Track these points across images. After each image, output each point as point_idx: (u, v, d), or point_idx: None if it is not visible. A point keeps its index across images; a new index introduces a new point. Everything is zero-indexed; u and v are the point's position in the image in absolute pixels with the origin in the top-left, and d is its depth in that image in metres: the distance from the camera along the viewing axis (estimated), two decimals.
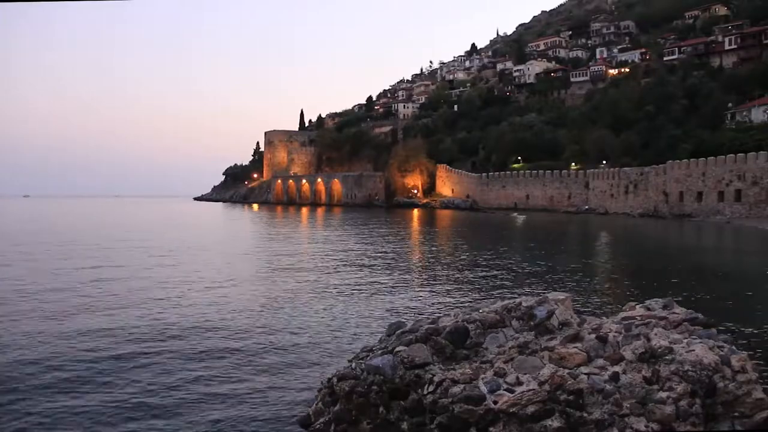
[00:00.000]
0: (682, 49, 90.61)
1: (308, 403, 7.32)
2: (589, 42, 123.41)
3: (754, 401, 5.23)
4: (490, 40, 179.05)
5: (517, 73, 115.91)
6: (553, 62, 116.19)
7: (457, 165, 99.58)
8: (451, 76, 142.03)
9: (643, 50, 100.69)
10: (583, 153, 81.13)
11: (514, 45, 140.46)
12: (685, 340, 5.68)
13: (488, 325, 6.33)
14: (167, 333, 12.02)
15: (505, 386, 5.50)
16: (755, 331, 11.71)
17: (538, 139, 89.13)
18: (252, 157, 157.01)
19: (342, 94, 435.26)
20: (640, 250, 30.96)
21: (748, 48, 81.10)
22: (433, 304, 15.36)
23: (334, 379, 6.32)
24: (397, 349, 6.17)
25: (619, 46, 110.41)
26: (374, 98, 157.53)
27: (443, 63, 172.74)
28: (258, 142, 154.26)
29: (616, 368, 5.48)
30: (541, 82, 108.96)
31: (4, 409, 7.91)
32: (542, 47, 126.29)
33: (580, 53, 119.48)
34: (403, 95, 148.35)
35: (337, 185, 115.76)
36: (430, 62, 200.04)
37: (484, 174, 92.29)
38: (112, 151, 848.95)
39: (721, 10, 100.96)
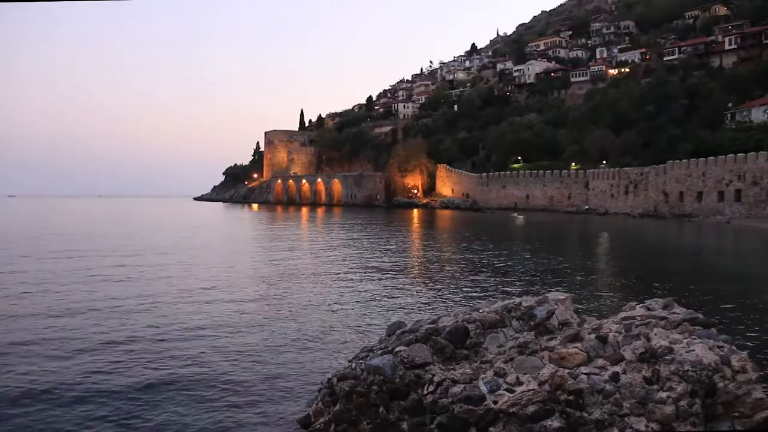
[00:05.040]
0: (682, 49, 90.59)
1: (308, 403, 7.32)
2: (589, 42, 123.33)
3: (754, 401, 5.22)
4: (490, 40, 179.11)
5: (517, 73, 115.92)
6: (553, 62, 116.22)
7: (457, 165, 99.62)
8: (451, 76, 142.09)
9: (643, 50, 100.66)
10: (583, 153, 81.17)
11: (514, 45, 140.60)
12: (685, 340, 5.67)
13: (488, 325, 6.33)
14: (165, 333, 12.01)
15: (505, 386, 5.50)
16: (755, 331, 11.70)
17: (538, 139, 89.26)
18: (252, 157, 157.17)
19: (342, 94, 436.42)
20: (640, 250, 30.95)
21: (748, 48, 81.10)
22: (433, 304, 15.35)
23: (334, 379, 6.32)
24: (397, 349, 6.17)
25: (619, 46, 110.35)
26: (374, 98, 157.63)
27: (443, 63, 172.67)
28: (258, 142, 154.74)
29: (616, 368, 5.47)
30: (541, 82, 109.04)
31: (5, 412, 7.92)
32: (542, 47, 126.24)
33: (580, 53, 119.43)
34: (403, 95, 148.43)
35: (337, 185, 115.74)
36: (430, 62, 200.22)
37: (484, 174, 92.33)
38: (112, 151, 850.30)
39: (721, 10, 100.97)
